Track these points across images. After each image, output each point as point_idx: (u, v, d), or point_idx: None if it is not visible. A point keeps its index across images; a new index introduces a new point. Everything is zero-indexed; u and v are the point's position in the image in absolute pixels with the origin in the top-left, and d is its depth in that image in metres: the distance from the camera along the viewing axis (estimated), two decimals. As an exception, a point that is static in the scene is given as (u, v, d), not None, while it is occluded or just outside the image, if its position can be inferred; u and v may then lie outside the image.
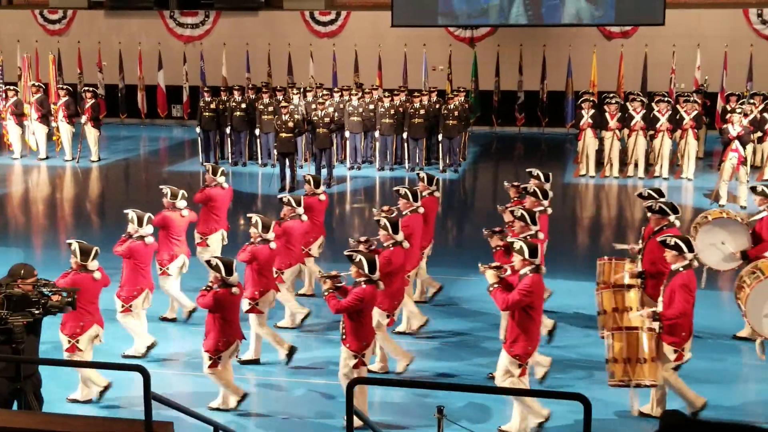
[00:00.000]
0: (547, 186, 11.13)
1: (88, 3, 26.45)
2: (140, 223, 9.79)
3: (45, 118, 20.67)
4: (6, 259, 9.98)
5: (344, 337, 8.16)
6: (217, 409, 8.41)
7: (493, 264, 8.39)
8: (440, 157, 19.54)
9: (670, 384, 8.11)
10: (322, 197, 11.74)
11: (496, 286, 7.89)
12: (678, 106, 18.44)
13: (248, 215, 10.05)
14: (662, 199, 9.80)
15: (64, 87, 21.06)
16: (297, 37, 25.10)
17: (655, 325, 7.85)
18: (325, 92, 20.67)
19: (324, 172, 18.18)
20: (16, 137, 20.96)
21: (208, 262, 8.65)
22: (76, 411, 8.25)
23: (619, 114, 18.53)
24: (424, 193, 11.11)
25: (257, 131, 19.74)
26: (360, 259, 8.12)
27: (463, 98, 20.23)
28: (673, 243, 8.05)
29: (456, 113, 19.36)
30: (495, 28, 24.13)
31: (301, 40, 25.01)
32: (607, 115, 18.59)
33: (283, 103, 18.54)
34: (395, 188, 11.14)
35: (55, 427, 5.44)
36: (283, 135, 17.59)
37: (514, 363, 7.81)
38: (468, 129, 21.00)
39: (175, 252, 10.66)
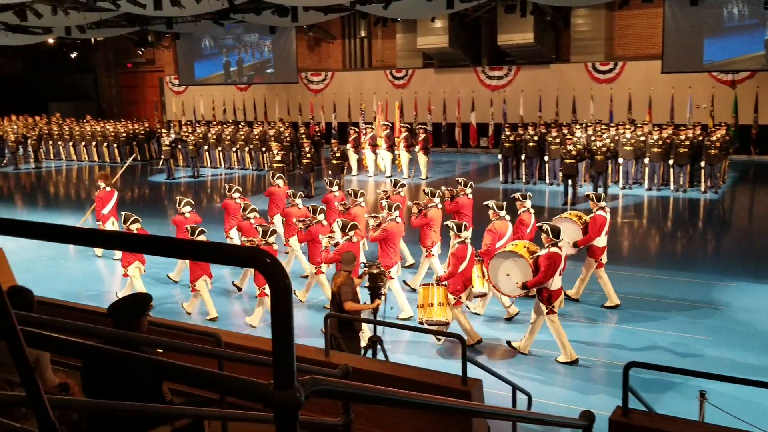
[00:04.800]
0: (470, 191, 11.86)
1: (423, 64, 27.63)
2: (179, 204, 11.34)
3: (391, 147, 21.87)
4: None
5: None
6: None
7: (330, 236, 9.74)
8: (702, 180, 17.87)
9: (458, 320, 8.94)
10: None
11: (324, 248, 9.58)
12: None
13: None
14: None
15: (404, 125, 22.18)
16: (580, 83, 24.32)
17: (444, 283, 8.78)
18: (603, 127, 19.85)
19: (600, 190, 17.44)
20: (371, 161, 22.41)
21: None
22: (407, 362, 8.56)
23: None
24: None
25: (546, 157, 19.42)
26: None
27: (724, 131, 18.32)
28: (452, 226, 9.02)
29: (717, 144, 17.60)
30: (754, 72, 21.66)
31: (584, 85, 24.20)
32: None
33: (568, 136, 18.07)
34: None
35: (394, 372, 5.68)
36: (568, 161, 17.15)
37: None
38: (728, 157, 18.98)
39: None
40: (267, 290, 9.43)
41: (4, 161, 28.56)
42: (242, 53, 31.11)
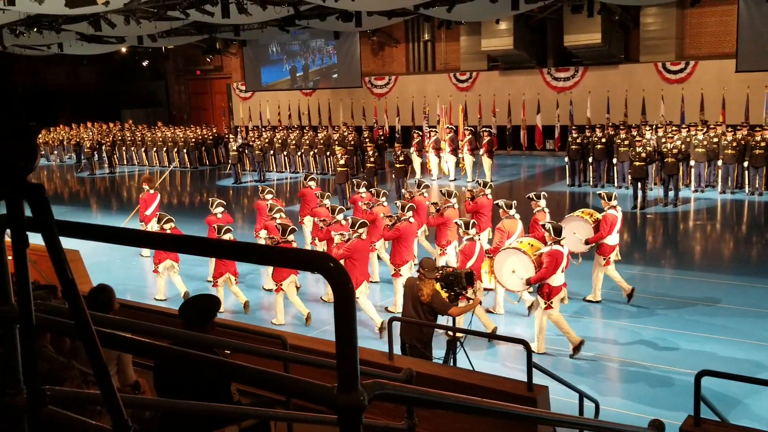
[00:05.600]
0: (489, 191, 12.11)
1: (487, 66, 27.41)
2: (211, 205, 11.79)
3: (455, 151, 21.77)
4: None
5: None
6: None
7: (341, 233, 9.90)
8: (780, 182, 17.15)
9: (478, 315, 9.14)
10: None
11: (335, 245, 9.66)
12: None
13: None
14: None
15: (468, 128, 22.03)
16: (650, 83, 23.67)
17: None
18: (673, 128, 19.26)
19: (671, 194, 16.93)
20: (435, 165, 22.35)
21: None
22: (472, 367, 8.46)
23: None
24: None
25: (614, 160, 18.97)
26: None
27: (804, 131, 17.52)
28: (460, 223, 9.56)
29: (797, 144, 16.85)
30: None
31: (654, 86, 23.54)
32: None
33: (638, 138, 17.61)
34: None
35: (459, 377, 5.65)
36: (637, 163, 16.71)
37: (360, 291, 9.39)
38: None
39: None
40: (284, 286, 9.97)
41: (81, 167, 29.77)
42: (308, 59, 31.56)
